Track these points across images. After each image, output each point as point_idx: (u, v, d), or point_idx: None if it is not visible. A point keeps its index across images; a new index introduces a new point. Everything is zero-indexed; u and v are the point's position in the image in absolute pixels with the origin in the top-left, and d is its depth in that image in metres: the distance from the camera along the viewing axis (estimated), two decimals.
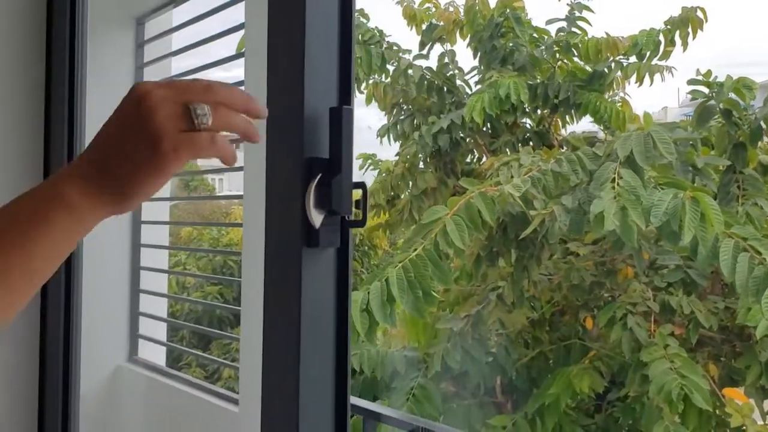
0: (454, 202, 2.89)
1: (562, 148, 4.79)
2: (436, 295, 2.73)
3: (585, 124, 5.51)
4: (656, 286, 3.91)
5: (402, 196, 4.81)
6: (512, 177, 3.31)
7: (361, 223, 0.73)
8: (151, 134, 0.60)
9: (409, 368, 4.29)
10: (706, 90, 3.55)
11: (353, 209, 0.72)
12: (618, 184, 2.93)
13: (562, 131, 5.26)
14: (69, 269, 1.91)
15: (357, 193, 0.72)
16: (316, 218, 0.69)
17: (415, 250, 2.69)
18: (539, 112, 5.07)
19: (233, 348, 7.06)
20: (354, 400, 2.25)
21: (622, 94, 4.81)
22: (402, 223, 4.65)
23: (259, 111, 0.64)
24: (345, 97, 0.74)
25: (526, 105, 4.68)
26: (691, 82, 3.53)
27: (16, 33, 1.96)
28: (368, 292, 2.58)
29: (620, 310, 3.82)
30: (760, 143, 3.71)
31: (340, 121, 0.72)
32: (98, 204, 0.62)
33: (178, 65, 3.17)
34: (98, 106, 3.16)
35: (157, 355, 3.21)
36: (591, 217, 2.83)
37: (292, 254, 0.69)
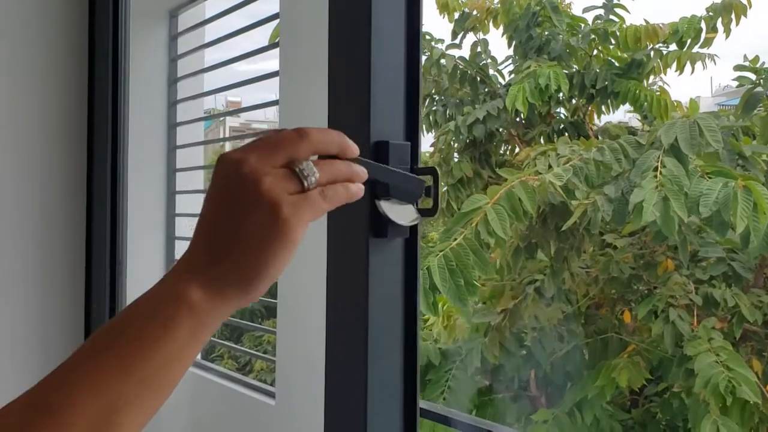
0: (494, 192, 2.84)
1: (598, 139, 4.70)
2: (477, 284, 2.69)
3: (620, 115, 5.41)
4: (698, 279, 3.82)
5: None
6: (550, 167, 3.24)
7: (432, 211, 0.68)
8: (265, 203, 0.53)
9: (444, 361, 4.25)
10: (753, 76, 3.44)
11: (423, 197, 0.68)
12: (660, 173, 2.84)
13: (597, 122, 5.17)
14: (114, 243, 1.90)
15: (427, 179, 0.69)
16: (384, 206, 0.65)
17: (456, 239, 2.64)
18: (574, 101, 4.98)
19: (265, 340, 7.08)
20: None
21: (660, 83, 4.70)
22: (441, 212, 4.60)
23: (354, 150, 0.58)
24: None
25: (563, 95, 4.60)
26: (737, 68, 3.42)
27: (58, 32, 1.95)
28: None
29: (661, 303, 3.74)
30: None
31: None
32: (221, 300, 0.54)
33: (211, 57, 3.16)
34: (134, 101, 3.17)
35: None
36: (630, 207, 2.75)
37: (359, 245, 0.65)
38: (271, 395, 2.48)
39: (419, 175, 0.67)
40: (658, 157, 2.92)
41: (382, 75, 0.68)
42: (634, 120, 5.08)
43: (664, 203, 2.75)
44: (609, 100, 4.68)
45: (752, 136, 3.94)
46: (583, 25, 4.72)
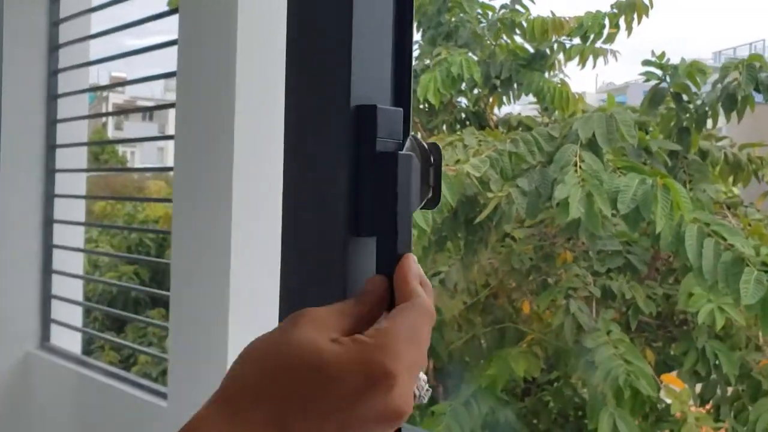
0: None
1: (498, 129, 4.70)
2: None
3: (519, 106, 5.45)
4: (596, 271, 3.88)
5: None
6: (459, 158, 3.17)
7: (433, 202, 0.54)
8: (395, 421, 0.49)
9: None
10: (659, 72, 3.50)
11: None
12: (581, 168, 2.83)
13: (497, 112, 5.18)
14: None
15: None
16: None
17: None
18: (476, 91, 4.95)
19: (150, 332, 6.70)
20: None
21: (561, 76, 4.75)
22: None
23: None
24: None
25: (465, 84, 4.56)
26: (645, 63, 3.47)
27: None
28: None
29: (561, 295, 3.77)
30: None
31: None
32: None
33: (97, 19, 2.88)
34: (7, 70, 2.83)
35: (72, 340, 2.93)
36: (554, 203, 2.71)
37: (335, 243, 0.50)
38: (163, 396, 2.26)
39: (413, 151, 0.52)
40: (576, 152, 2.91)
41: (364, 20, 0.52)
42: (533, 111, 5.13)
43: (588, 199, 2.73)
44: (511, 91, 4.69)
45: (645, 131, 4.04)
46: (491, 14, 4.69)
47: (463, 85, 4.63)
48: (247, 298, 1.96)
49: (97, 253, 6.76)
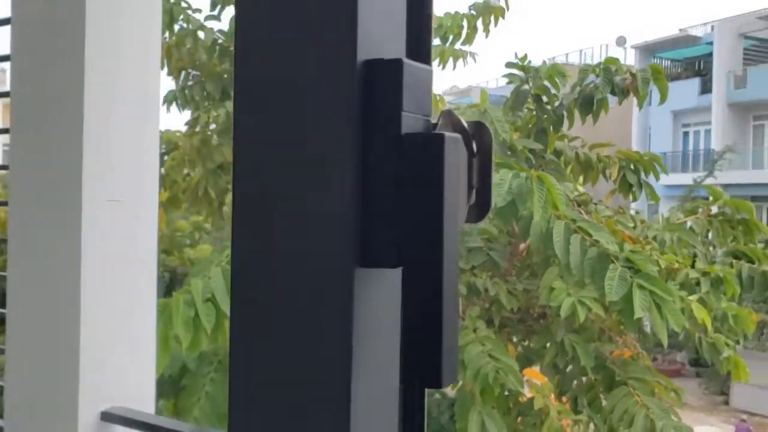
0: None
1: None
2: None
3: None
4: (461, 269, 3.90)
5: (194, 172, 4.31)
6: None
7: (482, 211, 0.39)
8: None
9: (201, 364, 3.88)
10: (522, 74, 3.57)
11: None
12: None
13: None
14: None
15: None
16: None
17: None
18: None
19: None
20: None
21: None
22: (197, 201, 4.16)
23: None
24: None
25: None
26: (508, 65, 3.51)
27: None
28: (209, 279, 2.17)
29: None
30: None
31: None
32: None
33: None
34: None
35: None
36: None
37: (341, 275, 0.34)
38: None
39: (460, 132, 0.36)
40: None
41: None
42: None
43: None
44: None
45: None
46: None
47: None
48: (103, 316, 1.72)
49: None
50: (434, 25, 4.32)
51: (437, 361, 0.31)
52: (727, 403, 16.64)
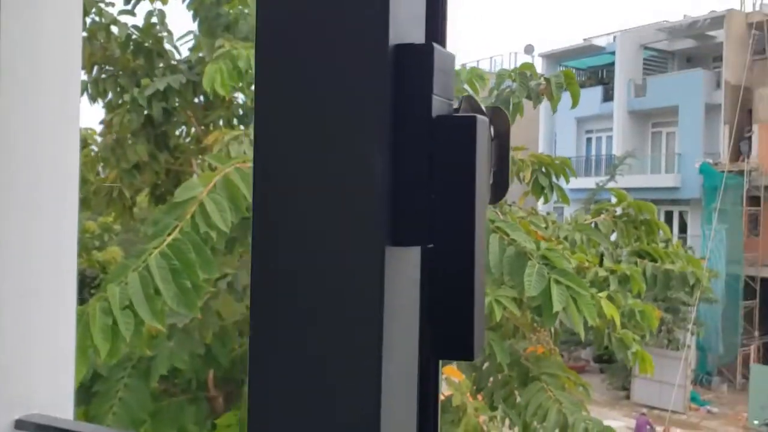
0: (209, 178, 2.50)
1: None
2: (205, 285, 2.33)
3: None
4: None
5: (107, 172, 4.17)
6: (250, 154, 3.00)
7: (499, 193, 0.41)
8: None
9: (115, 369, 3.74)
10: None
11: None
12: None
13: None
14: None
15: None
16: None
17: (170, 233, 2.24)
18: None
19: None
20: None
21: None
22: (111, 202, 4.02)
23: None
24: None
25: (243, 82, 4.38)
26: None
27: None
28: (126, 285, 2.09)
29: None
30: None
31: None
32: None
33: None
34: None
35: None
36: None
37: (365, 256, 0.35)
38: None
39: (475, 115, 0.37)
40: None
41: None
42: None
43: None
44: None
45: None
46: None
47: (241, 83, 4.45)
48: (19, 323, 1.65)
49: None
50: None
51: (469, 335, 0.33)
52: (628, 397, 17.48)
